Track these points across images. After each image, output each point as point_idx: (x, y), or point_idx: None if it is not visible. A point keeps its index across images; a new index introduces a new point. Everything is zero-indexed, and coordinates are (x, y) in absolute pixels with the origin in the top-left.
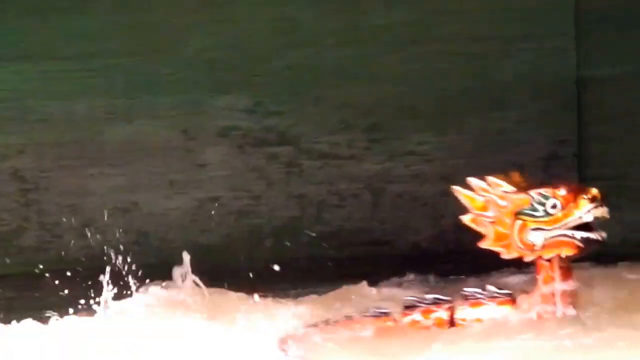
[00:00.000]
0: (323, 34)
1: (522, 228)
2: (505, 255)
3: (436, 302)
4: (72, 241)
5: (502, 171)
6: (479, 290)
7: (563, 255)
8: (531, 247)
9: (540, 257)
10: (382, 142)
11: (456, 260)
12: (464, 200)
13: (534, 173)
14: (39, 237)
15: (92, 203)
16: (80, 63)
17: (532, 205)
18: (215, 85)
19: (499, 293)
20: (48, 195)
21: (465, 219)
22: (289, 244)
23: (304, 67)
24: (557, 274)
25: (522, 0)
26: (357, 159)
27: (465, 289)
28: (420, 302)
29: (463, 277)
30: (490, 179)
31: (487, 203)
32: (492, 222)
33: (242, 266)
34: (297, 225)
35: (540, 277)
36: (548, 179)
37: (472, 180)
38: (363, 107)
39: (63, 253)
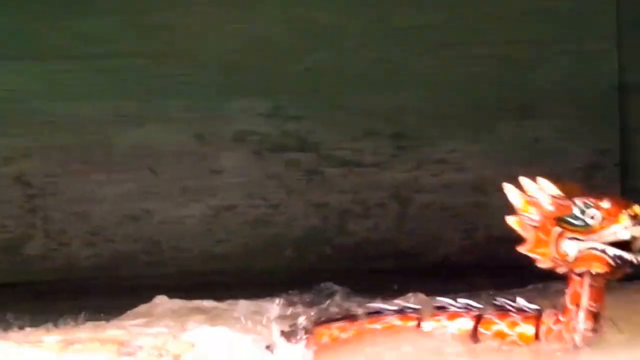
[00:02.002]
0: (345, 35)
1: (560, 236)
2: (541, 264)
3: (467, 308)
4: (80, 250)
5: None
6: (509, 302)
7: (593, 271)
8: (564, 258)
9: (572, 271)
10: (409, 149)
11: (488, 275)
12: (514, 199)
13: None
14: (45, 245)
15: (100, 210)
16: (88, 64)
17: (573, 213)
18: (231, 88)
19: (527, 307)
20: (54, 201)
21: (510, 220)
22: (309, 256)
23: (325, 70)
24: (585, 291)
25: (560, 2)
26: (382, 167)
27: (497, 297)
28: (449, 305)
29: (492, 292)
30: (541, 180)
31: (534, 205)
32: (535, 227)
33: (259, 278)
34: (318, 236)
35: (568, 293)
36: (587, 191)
37: (523, 180)
38: (388, 113)
39: (70, 262)
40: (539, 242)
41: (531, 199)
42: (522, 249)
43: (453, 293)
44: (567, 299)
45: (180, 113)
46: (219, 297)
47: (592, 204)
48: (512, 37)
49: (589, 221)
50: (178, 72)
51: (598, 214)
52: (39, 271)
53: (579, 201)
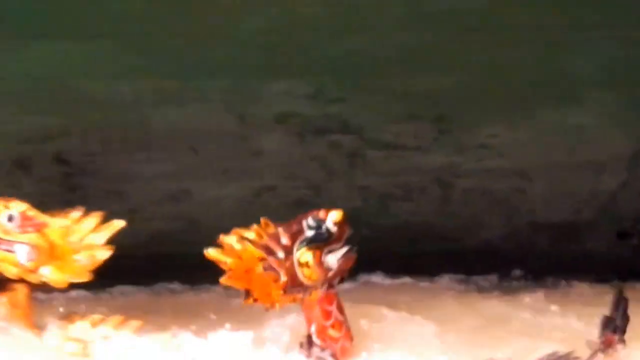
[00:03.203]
0: (386, 18)
1: (318, 257)
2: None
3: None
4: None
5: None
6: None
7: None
8: (327, 274)
9: (331, 285)
10: (450, 133)
11: (529, 261)
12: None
13: (617, 172)
14: None
15: (139, 189)
16: (126, 43)
17: (311, 232)
18: (271, 70)
19: None
20: (93, 179)
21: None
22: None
23: (366, 52)
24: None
25: None
26: (423, 151)
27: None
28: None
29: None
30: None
31: (266, 249)
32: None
33: None
34: (359, 218)
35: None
36: (633, 180)
37: (226, 239)
38: (429, 96)
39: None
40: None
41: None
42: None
43: (489, 275)
44: (335, 313)
45: (221, 94)
46: None
47: (318, 217)
48: (552, 21)
49: (333, 229)
50: (218, 53)
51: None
52: None
53: (310, 220)
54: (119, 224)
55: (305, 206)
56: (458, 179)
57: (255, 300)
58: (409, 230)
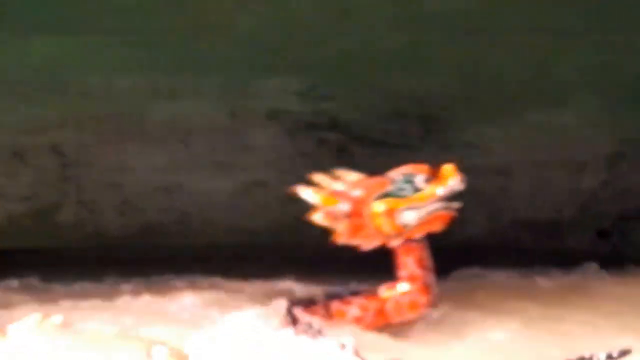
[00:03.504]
0: (377, 18)
1: (391, 211)
2: (366, 246)
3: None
4: (111, 219)
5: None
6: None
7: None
8: (401, 230)
9: (409, 240)
10: (436, 132)
11: (509, 257)
12: (310, 197)
13: (598, 172)
14: (77, 214)
15: (132, 181)
16: (122, 37)
17: (396, 186)
18: (264, 66)
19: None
20: (87, 171)
21: (317, 217)
22: None
23: (357, 52)
24: (426, 254)
25: None
26: (410, 149)
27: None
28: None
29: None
30: (336, 172)
31: (338, 197)
32: (347, 216)
33: (287, 254)
34: None
35: (407, 261)
36: (613, 179)
37: (316, 177)
38: (417, 96)
39: (100, 231)
40: (356, 228)
41: (333, 192)
42: (339, 240)
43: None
44: (411, 267)
45: (214, 89)
46: (245, 271)
47: (411, 173)
48: (539, 25)
49: (422, 186)
50: (212, 49)
51: (421, 178)
52: (70, 238)
53: (396, 174)
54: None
55: (294, 201)
56: None
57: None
58: None
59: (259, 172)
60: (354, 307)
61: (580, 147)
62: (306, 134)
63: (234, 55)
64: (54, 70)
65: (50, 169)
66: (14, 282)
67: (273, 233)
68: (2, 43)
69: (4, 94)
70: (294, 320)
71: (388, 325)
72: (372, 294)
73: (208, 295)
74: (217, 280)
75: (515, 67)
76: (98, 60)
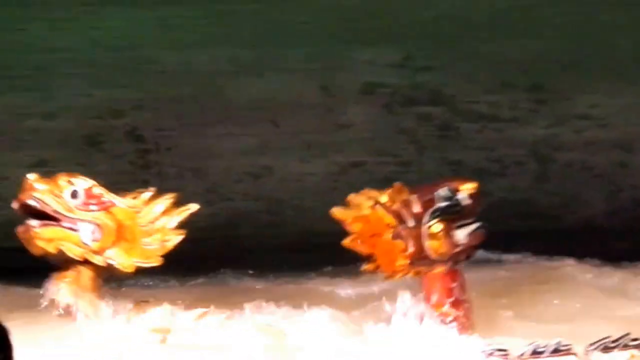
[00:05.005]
0: None
1: (447, 230)
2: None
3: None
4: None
5: None
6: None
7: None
8: (453, 249)
9: (455, 260)
10: (547, 103)
11: (633, 240)
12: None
13: None
14: None
15: (217, 167)
16: (200, 10)
17: (444, 202)
18: (355, 37)
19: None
20: (169, 156)
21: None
22: None
23: (455, 18)
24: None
25: None
26: (519, 122)
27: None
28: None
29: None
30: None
31: (396, 214)
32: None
33: None
34: None
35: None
36: None
37: (354, 198)
38: (523, 64)
39: (186, 221)
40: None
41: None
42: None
43: (590, 257)
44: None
45: (301, 63)
46: (340, 260)
47: (455, 188)
48: None
49: (465, 202)
50: (298, 19)
51: (464, 194)
52: None
53: (444, 190)
54: (193, 207)
55: (393, 183)
56: (557, 152)
57: (377, 267)
58: (504, 208)
59: (355, 152)
60: None
61: None
62: (405, 109)
63: (322, 25)
64: (128, 47)
65: (128, 155)
66: None
67: None
68: (70, 18)
69: (74, 75)
70: None
71: None
72: None
73: None
74: None
75: (630, 27)
76: (175, 36)
